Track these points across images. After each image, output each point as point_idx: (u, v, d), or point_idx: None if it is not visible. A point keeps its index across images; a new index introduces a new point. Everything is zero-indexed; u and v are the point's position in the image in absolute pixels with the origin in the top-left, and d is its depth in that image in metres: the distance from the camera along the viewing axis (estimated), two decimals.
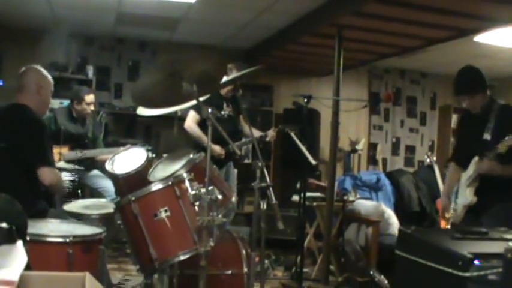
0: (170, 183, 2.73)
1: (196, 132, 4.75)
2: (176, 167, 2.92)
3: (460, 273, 2.34)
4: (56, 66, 6.19)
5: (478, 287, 2.32)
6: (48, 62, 5.88)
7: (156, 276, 3.18)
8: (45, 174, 2.99)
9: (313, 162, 4.61)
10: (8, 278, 1.78)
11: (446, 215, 3.84)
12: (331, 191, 4.88)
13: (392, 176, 6.54)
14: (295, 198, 4.96)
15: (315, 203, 5.12)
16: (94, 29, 6.57)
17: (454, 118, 7.97)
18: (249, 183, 2.97)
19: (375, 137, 8.12)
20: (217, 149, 4.66)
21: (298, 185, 4.82)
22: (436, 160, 6.17)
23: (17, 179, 2.96)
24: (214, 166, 3.19)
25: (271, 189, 2.81)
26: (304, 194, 4.53)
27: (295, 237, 5.07)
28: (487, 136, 3.45)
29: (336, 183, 5.22)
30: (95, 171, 5.10)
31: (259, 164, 2.80)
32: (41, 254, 2.35)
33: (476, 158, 3.49)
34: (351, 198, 5.38)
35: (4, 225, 1.88)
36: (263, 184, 2.80)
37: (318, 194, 5.23)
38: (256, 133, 4.93)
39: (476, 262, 2.33)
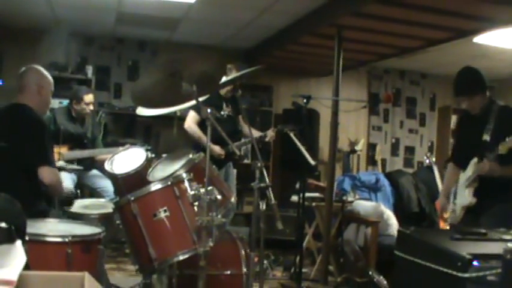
0: (169, 183, 2.73)
1: (196, 132, 4.75)
2: (175, 167, 2.92)
3: (459, 274, 2.34)
4: (55, 66, 6.18)
5: (477, 287, 2.32)
6: (48, 62, 5.89)
7: (155, 276, 3.19)
8: (45, 173, 2.99)
9: (312, 162, 4.61)
10: (7, 277, 1.78)
11: (445, 215, 3.85)
12: (331, 192, 4.88)
13: (391, 176, 6.54)
14: (295, 198, 4.97)
15: (314, 204, 5.12)
16: (94, 29, 6.57)
17: (454, 119, 7.97)
18: (248, 183, 2.98)
19: (374, 138, 8.11)
20: (216, 149, 4.66)
21: (297, 186, 4.82)
22: (436, 161, 6.17)
23: (17, 179, 2.96)
24: (214, 166, 3.19)
25: (270, 189, 2.81)
26: (304, 195, 4.54)
27: (294, 238, 5.07)
28: (486, 137, 3.45)
29: (335, 184, 5.22)
30: (94, 171, 5.10)
31: (259, 164, 2.81)
32: (40, 254, 2.35)
33: (475, 159, 3.49)
34: (350, 199, 5.38)
35: (3, 224, 1.88)
36: (262, 184, 2.81)
37: (317, 195, 5.23)
38: (256, 133, 4.93)
39: (475, 263, 2.33)
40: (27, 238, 2.10)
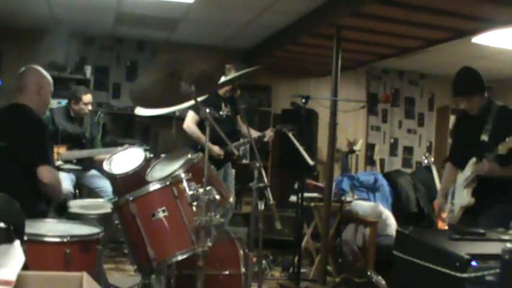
0: (168, 183, 2.73)
1: (196, 132, 4.75)
2: (174, 167, 2.92)
3: (458, 274, 2.34)
4: (54, 66, 6.18)
5: (476, 287, 2.32)
6: (47, 62, 5.89)
7: (153, 276, 3.19)
8: (44, 173, 2.98)
9: (311, 162, 4.61)
10: (5, 277, 1.78)
11: (443, 215, 3.85)
12: (329, 192, 4.88)
13: (390, 176, 6.54)
14: (293, 198, 4.97)
15: (312, 204, 5.12)
16: (93, 29, 6.56)
17: (452, 119, 7.95)
18: (246, 183, 2.98)
19: (372, 138, 8.11)
20: (216, 149, 4.66)
21: (296, 186, 4.82)
22: (434, 161, 6.18)
23: (17, 179, 2.96)
24: (212, 166, 3.19)
25: (269, 189, 2.81)
26: (302, 195, 4.54)
27: (292, 238, 5.07)
28: (484, 137, 3.46)
29: (334, 184, 5.22)
30: (93, 171, 5.10)
31: (257, 164, 2.81)
32: (39, 254, 2.35)
33: (473, 159, 3.49)
34: (348, 199, 5.38)
35: (2, 224, 1.88)
36: (261, 184, 2.81)
37: (315, 195, 5.23)
38: (254, 133, 4.93)
39: (473, 263, 2.33)
40: (25, 238, 2.09)
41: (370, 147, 8.07)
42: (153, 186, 2.75)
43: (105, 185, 4.84)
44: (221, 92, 4.86)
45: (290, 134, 4.61)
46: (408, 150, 8.31)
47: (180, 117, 5.34)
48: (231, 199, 3.18)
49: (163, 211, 2.68)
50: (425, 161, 6.25)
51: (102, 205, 3.74)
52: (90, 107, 5.14)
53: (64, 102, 5.40)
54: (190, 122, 4.79)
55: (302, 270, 4.69)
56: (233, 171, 5.22)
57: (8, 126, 3.08)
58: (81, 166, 4.82)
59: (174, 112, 5.38)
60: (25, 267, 1.87)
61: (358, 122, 8.03)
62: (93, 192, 5.13)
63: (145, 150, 3.57)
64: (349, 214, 5.33)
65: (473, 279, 2.32)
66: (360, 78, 8.04)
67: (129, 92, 2.98)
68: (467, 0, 4.10)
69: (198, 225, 2.56)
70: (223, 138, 2.98)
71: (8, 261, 1.84)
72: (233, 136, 4.77)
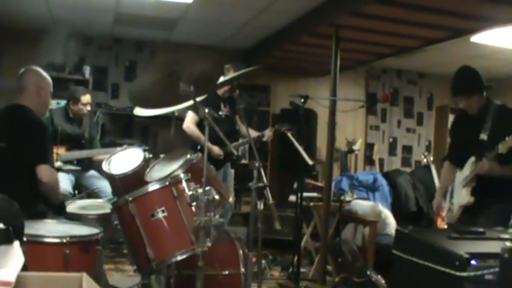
0: (167, 183, 2.73)
1: (195, 132, 4.75)
2: (173, 167, 2.92)
3: (457, 273, 2.34)
4: (53, 66, 6.18)
5: (475, 287, 2.32)
6: (45, 62, 5.88)
7: (153, 276, 3.19)
8: (43, 172, 2.99)
9: (310, 162, 4.61)
10: (5, 278, 1.77)
11: (442, 214, 3.85)
12: (328, 191, 4.88)
13: (389, 176, 6.55)
14: (292, 198, 4.96)
15: (312, 203, 5.12)
16: (92, 29, 6.56)
17: (451, 118, 7.94)
18: (246, 183, 2.97)
19: (371, 137, 8.12)
20: (215, 149, 4.66)
21: (295, 185, 4.82)
22: (433, 160, 6.18)
23: (17, 180, 2.96)
24: (212, 166, 3.19)
25: (268, 189, 2.81)
26: (301, 194, 4.53)
27: (292, 238, 5.07)
28: (483, 137, 3.46)
29: (333, 184, 5.22)
30: (92, 172, 5.09)
31: (256, 164, 2.81)
32: (38, 255, 2.35)
33: (472, 159, 3.49)
34: (347, 199, 5.38)
35: (1, 225, 1.88)
36: (260, 184, 2.81)
37: (314, 194, 5.23)
38: (253, 133, 4.93)
39: (473, 262, 2.33)
40: (25, 239, 2.09)
41: (369, 147, 8.07)
42: (152, 187, 2.75)
43: (104, 185, 4.84)
44: (220, 92, 4.86)
45: (289, 134, 4.61)
46: (407, 149, 8.32)
47: (179, 118, 5.33)
48: (231, 199, 3.18)
49: (163, 211, 2.68)
50: (425, 160, 6.26)
51: (102, 205, 3.74)
52: (89, 108, 5.14)
53: (63, 102, 5.39)
54: (190, 122, 4.79)
55: (301, 269, 4.68)
56: (232, 171, 5.22)
57: (8, 127, 3.08)
58: (80, 167, 4.81)
59: (173, 112, 5.37)
60: (24, 268, 1.87)
61: (357, 122, 8.04)
62: (92, 193, 5.12)
63: (145, 150, 3.57)
64: (348, 214, 5.33)
65: (472, 278, 2.32)
66: (359, 77, 8.04)
67: (128, 92, 2.98)
68: None
69: (197, 225, 2.56)
70: (222, 139, 2.98)
71: (8, 262, 1.83)
72: (232, 136, 4.77)
